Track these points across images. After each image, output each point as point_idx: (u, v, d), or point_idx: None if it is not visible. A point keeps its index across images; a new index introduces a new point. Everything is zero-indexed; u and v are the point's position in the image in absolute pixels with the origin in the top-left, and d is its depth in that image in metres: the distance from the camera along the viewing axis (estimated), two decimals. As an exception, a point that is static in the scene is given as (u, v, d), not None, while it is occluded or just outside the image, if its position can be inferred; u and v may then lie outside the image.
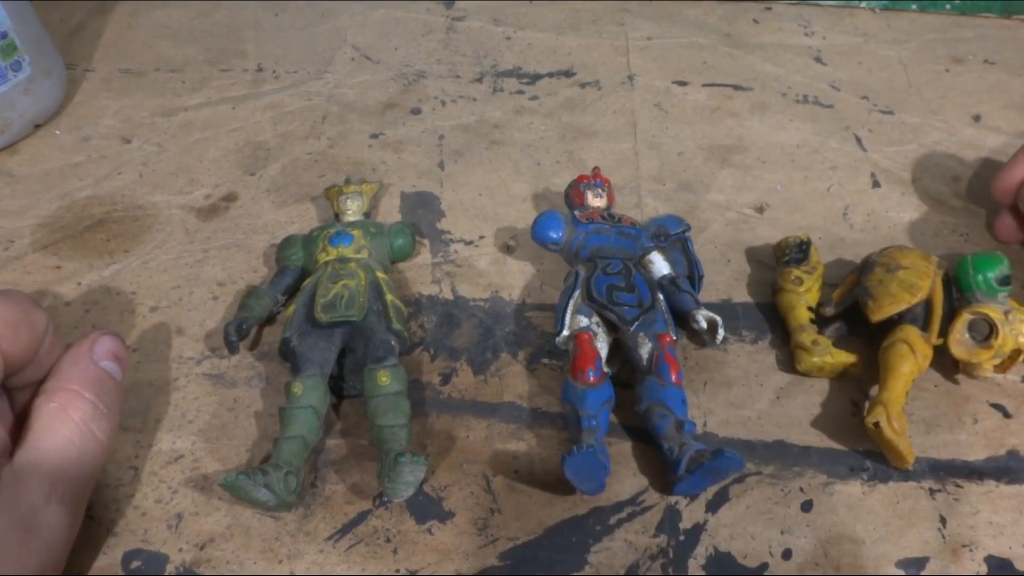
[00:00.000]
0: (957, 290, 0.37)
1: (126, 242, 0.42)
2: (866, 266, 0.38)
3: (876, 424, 0.32)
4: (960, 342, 0.35)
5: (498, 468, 0.33)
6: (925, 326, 0.35)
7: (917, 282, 0.36)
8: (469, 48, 0.56)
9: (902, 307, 0.36)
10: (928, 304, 0.36)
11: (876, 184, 0.46)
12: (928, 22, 0.59)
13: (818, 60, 0.55)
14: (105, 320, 0.38)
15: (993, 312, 0.35)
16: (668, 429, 0.32)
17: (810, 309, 0.38)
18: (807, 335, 0.36)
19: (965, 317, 0.35)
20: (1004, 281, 0.36)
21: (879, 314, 0.36)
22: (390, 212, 0.44)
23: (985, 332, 0.35)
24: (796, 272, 0.38)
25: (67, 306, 0.39)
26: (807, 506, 0.32)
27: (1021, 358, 0.35)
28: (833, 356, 0.35)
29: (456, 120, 0.50)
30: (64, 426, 0.28)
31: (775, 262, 0.41)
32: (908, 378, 0.34)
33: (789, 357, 0.37)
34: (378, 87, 0.52)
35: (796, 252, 0.39)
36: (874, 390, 0.35)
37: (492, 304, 0.40)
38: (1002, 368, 0.35)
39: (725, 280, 0.41)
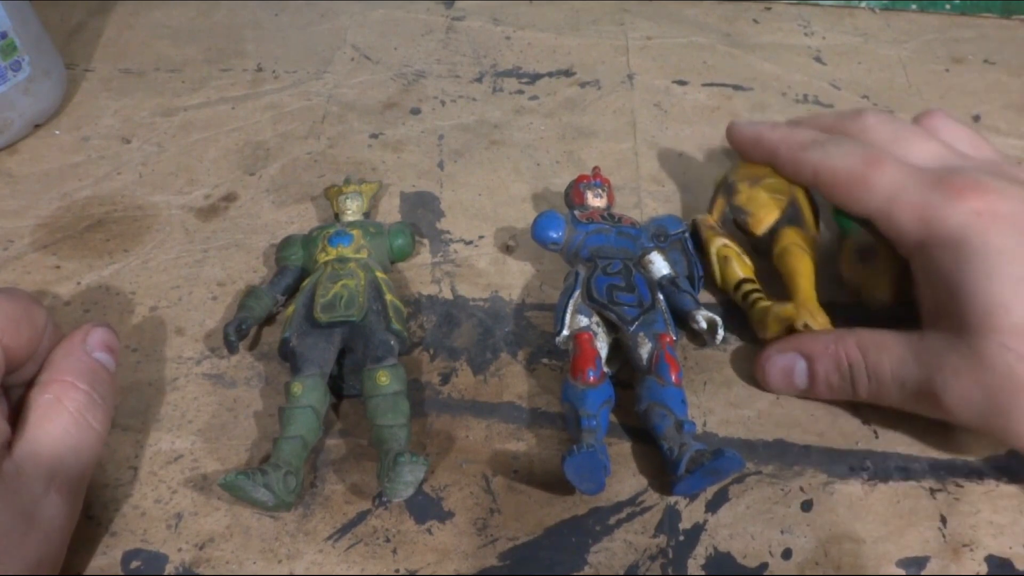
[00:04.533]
0: (841, 229, 0.39)
1: (126, 242, 0.42)
2: (727, 189, 0.40)
3: (805, 325, 0.35)
4: (851, 267, 0.38)
5: (498, 468, 0.33)
6: (800, 224, 0.38)
7: (781, 186, 0.38)
8: (469, 48, 0.56)
9: (778, 213, 0.38)
10: (794, 203, 0.38)
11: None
12: (928, 22, 0.59)
13: (818, 60, 0.55)
14: (104, 320, 0.38)
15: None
16: (668, 429, 0.32)
17: (737, 287, 0.38)
18: (751, 317, 0.37)
19: (849, 246, 0.38)
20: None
21: (763, 225, 0.38)
22: (390, 212, 0.44)
23: (869, 255, 0.38)
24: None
25: (66, 306, 0.39)
26: (807, 506, 0.32)
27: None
28: (769, 323, 0.36)
29: (456, 120, 0.50)
30: (60, 417, 0.28)
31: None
32: (811, 274, 0.36)
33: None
34: (378, 87, 0.52)
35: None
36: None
37: (492, 304, 0.40)
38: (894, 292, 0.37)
39: (725, 280, 0.41)
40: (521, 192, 0.45)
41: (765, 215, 0.38)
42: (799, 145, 0.37)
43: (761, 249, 0.39)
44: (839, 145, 0.36)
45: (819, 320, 0.35)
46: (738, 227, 0.39)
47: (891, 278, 0.36)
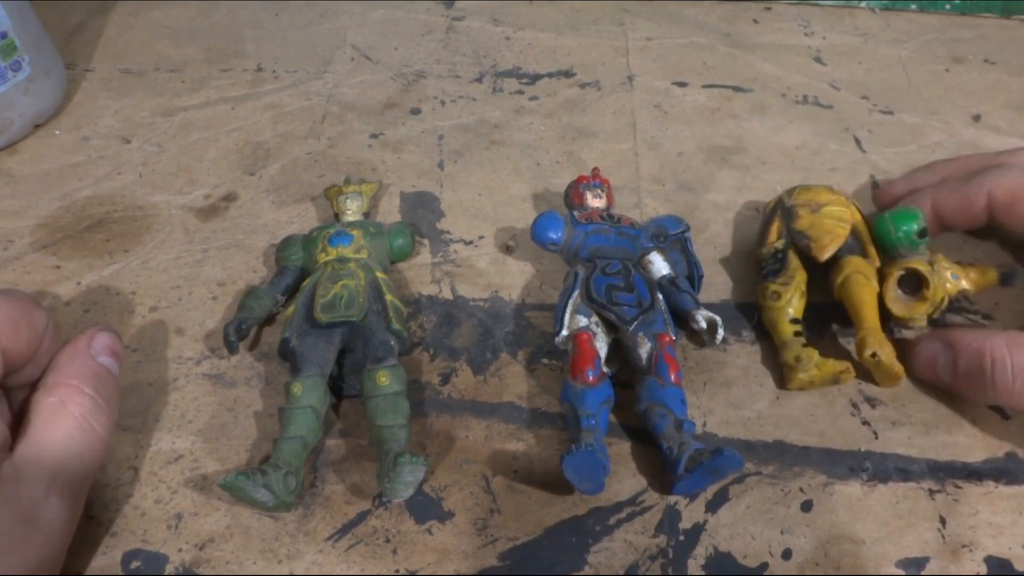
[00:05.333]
0: (879, 248, 0.38)
1: (126, 242, 0.42)
2: (785, 213, 0.40)
3: (874, 354, 0.34)
4: (896, 299, 0.37)
5: (498, 468, 0.33)
6: (862, 253, 0.38)
7: (843, 214, 0.38)
8: (469, 48, 0.56)
9: (843, 240, 0.38)
10: (855, 231, 0.38)
11: (876, 185, 0.46)
12: (928, 22, 0.59)
13: (818, 60, 0.55)
14: (104, 320, 0.38)
15: (920, 265, 0.36)
16: (667, 429, 0.32)
17: (793, 321, 0.37)
18: (790, 352, 0.36)
19: (895, 274, 0.37)
20: (923, 233, 0.37)
21: (827, 252, 0.38)
22: (390, 212, 0.44)
23: (914, 285, 0.37)
24: (772, 287, 0.37)
25: (66, 306, 0.39)
26: (807, 506, 0.32)
27: (945, 303, 0.37)
28: (820, 368, 0.35)
29: (456, 120, 0.50)
30: (64, 421, 0.28)
31: (757, 274, 0.40)
32: (875, 304, 0.36)
33: (789, 357, 0.37)
34: (378, 87, 0.52)
35: (773, 263, 0.39)
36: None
37: (492, 304, 0.40)
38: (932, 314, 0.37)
39: (725, 280, 0.41)
40: (521, 192, 0.45)
41: (829, 242, 0.38)
42: (966, 173, 0.38)
43: (813, 276, 0.38)
44: (1011, 168, 0.37)
45: (887, 350, 0.34)
46: (797, 251, 0.39)
47: (931, 308, 0.36)
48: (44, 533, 0.26)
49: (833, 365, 0.35)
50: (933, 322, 0.37)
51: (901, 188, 0.41)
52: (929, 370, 0.35)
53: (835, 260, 0.38)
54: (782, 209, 0.40)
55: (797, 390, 0.36)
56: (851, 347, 0.37)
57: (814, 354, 0.35)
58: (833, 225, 0.38)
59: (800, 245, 0.38)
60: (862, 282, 0.37)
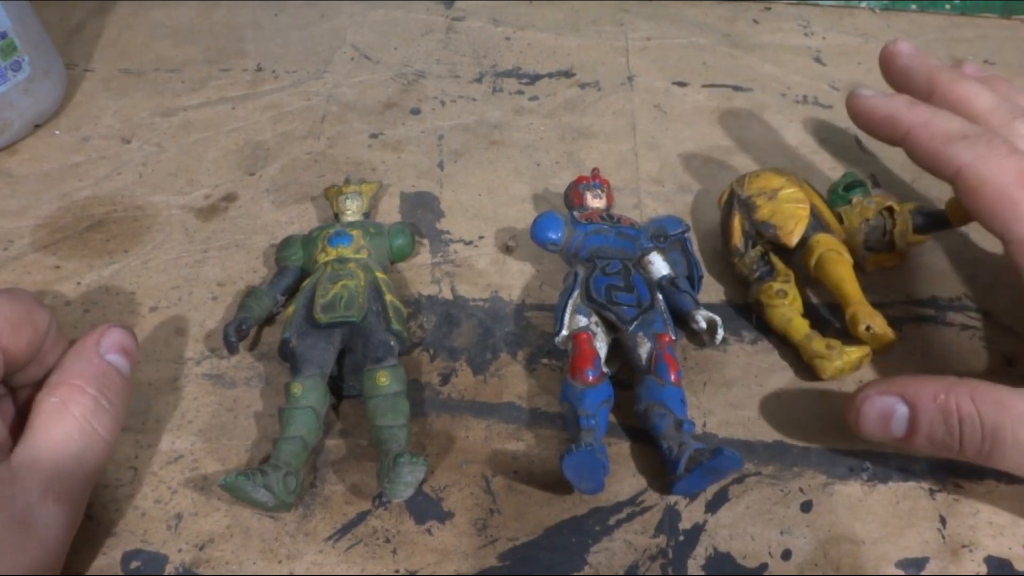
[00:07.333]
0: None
1: (126, 242, 0.42)
2: (743, 206, 0.40)
3: (868, 328, 0.35)
4: (861, 251, 0.39)
5: (497, 468, 0.33)
6: (826, 229, 0.39)
7: (799, 195, 0.39)
8: (469, 48, 0.56)
9: (807, 222, 0.38)
10: (814, 209, 0.39)
11: (876, 184, 0.46)
12: (928, 22, 0.59)
13: (818, 60, 0.55)
14: (105, 320, 0.38)
15: (842, 209, 0.40)
16: (667, 428, 0.32)
17: (803, 316, 0.37)
18: (818, 342, 0.35)
19: (859, 236, 0.40)
20: (848, 187, 0.40)
21: (795, 236, 0.38)
22: (390, 212, 0.44)
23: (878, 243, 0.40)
24: (777, 286, 0.37)
25: (67, 306, 0.39)
26: (807, 506, 0.32)
27: (876, 221, 0.39)
28: (850, 353, 0.35)
29: (456, 120, 0.50)
30: (63, 422, 0.28)
31: (744, 283, 0.40)
32: (853, 277, 0.37)
33: (789, 357, 0.37)
34: (377, 87, 0.52)
35: (763, 265, 0.39)
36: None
37: (492, 304, 0.40)
38: (889, 259, 0.40)
39: (725, 281, 0.41)
40: (521, 192, 0.45)
41: (795, 226, 0.38)
42: (944, 136, 0.33)
43: (786, 260, 0.39)
44: (991, 147, 0.32)
45: (878, 320, 0.35)
46: (767, 242, 0.39)
47: (847, 233, 0.39)
48: (39, 538, 0.26)
49: (859, 350, 0.35)
50: (892, 244, 0.39)
51: (882, 109, 0.35)
52: (880, 427, 0.31)
53: (803, 242, 0.38)
54: (739, 202, 0.40)
55: (831, 378, 0.36)
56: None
57: (839, 342, 0.35)
58: (794, 209, 0.38)
59: (767, 235, 0.39)
60: (836, 259, 0.37)
